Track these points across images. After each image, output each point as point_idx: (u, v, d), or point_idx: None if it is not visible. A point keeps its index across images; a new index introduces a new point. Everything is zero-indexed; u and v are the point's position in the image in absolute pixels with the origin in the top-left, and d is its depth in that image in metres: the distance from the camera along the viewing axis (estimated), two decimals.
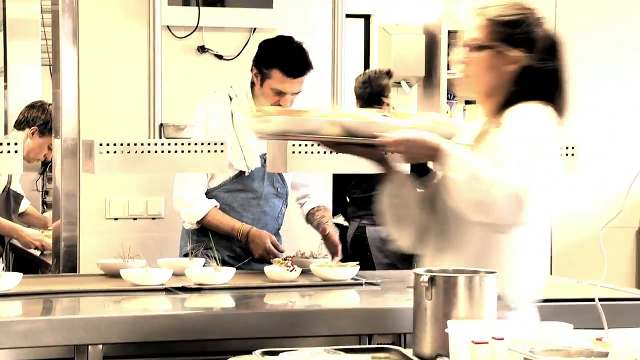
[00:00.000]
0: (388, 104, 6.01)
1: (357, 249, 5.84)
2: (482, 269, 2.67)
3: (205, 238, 4.39)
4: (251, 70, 4.43)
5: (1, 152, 2.59)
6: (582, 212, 5.27)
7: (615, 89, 5.34)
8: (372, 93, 6.02)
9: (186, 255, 4.12)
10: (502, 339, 2.33)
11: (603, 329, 2.37)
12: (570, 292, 3.78)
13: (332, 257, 4.32)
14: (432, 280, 2.60)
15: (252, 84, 4.44)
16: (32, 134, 5.49)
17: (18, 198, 5.66)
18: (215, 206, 4.41)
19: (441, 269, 2.67)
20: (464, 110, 8.43)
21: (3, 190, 5.54)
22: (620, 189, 5.13)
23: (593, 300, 2.41)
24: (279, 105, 4.21)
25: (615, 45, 5.33)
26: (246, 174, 4.41)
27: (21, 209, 5.74)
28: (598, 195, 5.26)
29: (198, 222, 4.43)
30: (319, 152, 3.31)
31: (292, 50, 4.35)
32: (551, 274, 5.21)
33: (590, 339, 2.39)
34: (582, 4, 5.27)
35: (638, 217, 5.42)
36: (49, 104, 5.46)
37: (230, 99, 4.44)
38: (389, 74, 6.15)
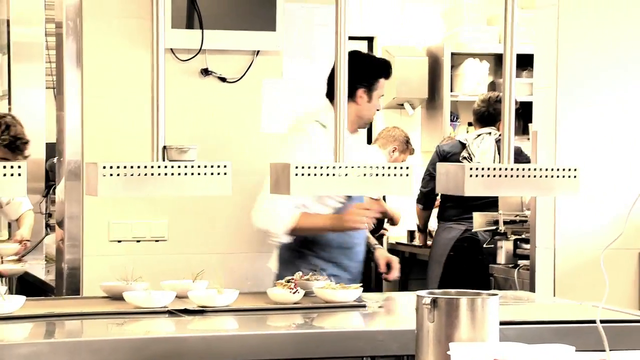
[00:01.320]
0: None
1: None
2: (485, 292, 2.68)
3: (302, 250, 4.61)
4: (356, 90, 4.59)
5: (5, 175, 2.61)
6: (584, 233, 5.27)
7: (618, 109, 5.35)
8: (489, 113, 6.70)
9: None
10: None
11: (605, 350, 2.37)
12: (572, 314, 3.78)
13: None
14: (434, 302, 2.61)
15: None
16: None
17: None
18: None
19: (443, 291, 2.68)
20: (467, 131, 8.46)
21: None
22: (623, 211, 5.14)
23: (595, 322, 2.41)
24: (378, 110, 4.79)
25: (618, 67, 5.34)
26: None
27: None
28: (600, 217, 5.26)
29: (291, 232, 4.54)
30: (322, 175, 3.32)
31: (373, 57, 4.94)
32: (554, 295, 5.21)
33: None
34: (585, 22, 5.29)
35: None
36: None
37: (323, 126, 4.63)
38: None
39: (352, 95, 4.58)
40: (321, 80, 4.74)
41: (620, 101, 5.36)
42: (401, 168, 2.95)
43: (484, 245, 6.34)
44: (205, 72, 5.02)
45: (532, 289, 5.42)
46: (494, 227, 6.34)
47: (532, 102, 5.58)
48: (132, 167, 2.76)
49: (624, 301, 5.27)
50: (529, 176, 2.93)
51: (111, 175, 2.75)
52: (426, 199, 7.01)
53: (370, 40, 8.72)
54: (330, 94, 4.69)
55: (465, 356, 2.43)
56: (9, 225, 5.90)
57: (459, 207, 6.62)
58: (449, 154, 6.70)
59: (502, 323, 2.76)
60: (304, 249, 4.59)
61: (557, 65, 5.30)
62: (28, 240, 5.47)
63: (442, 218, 6.86)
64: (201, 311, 3.71)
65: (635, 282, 5.45)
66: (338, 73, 2.95)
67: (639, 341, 2.54)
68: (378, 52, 8.62)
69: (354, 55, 4.51)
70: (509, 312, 3.74)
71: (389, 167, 2.94)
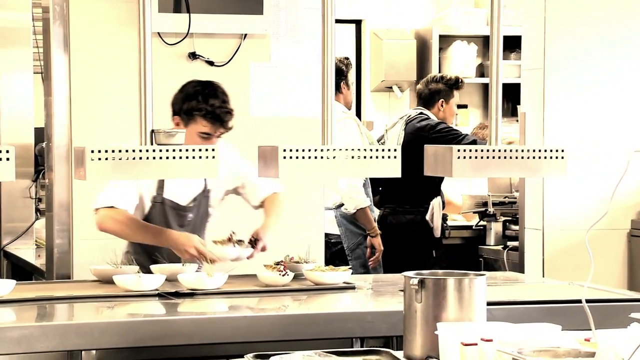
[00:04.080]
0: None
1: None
2: (472, 272, 2.70)
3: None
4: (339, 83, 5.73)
5: None
6: (573, 214, 5.30)
7: (606, 90, 5.37)
8: (424, 93, 6.46)
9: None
10: (491, 340, 2.36)
11: (591, 329, 2.40)
12: (561, 294, 3.81)
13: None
14: (421, 282, 2.63)
15: None
16: None
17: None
18: None
19: (431, 272, 2.70)
20: (456, 114, 8.46)
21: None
22: (611, 192, 5.16)
23: (581, 301, 2.43)
24: None
25: (605, 49, 5.36)
26: None
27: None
28: (589, 198, 5.29)
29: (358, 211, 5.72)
30: (310, 158, 3.33)
31: None
32: (543, 276, 5.24)
33: (578, 340, 2.42)
34: (572, 3, 5.30)
35: (629, 219, 5.45)
36: None
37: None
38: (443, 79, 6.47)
39: (337, 88, 5.90)
40: (308, 64, 4.75)
41: (608, 82, 5.38)
42: (389, 150, 2.96)
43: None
44: (193, 55, 5.02)
45: (521, 270, 5.45)
46: (483, 209, 6.36)
47: (520, 84, 5.61)
48: (120, 150, 2.77)
49: (613, 281, 5.30)
50: (517, 157, 2.94)
51: (99, 159, 2.76)
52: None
53: (358, 23, 8.71)
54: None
55: (452, 336, 2.46)
56: None
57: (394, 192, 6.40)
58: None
59: (490, 303, 2.78)
60: None
61: (544, 47, 5.32)
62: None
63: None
64: (191, 294, 3.72)
65: (624, 262, 5.48)
66: (325, 56, 2.96)
67: (625, 320, 2.57)
68: (366, 35, 8.61)
69: None
70: (497, 293, 3.76)
71: (377, 150, 2.96)
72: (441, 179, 6.21)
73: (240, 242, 4.11)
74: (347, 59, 6.30)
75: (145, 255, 4.20)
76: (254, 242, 4.16)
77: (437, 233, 6.14)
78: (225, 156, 4.13)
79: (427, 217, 6.13)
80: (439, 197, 6.19)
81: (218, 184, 4.35)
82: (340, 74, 6.00)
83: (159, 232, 4.09)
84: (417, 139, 5.91)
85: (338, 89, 6.01)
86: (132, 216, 4.13)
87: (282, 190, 4.43)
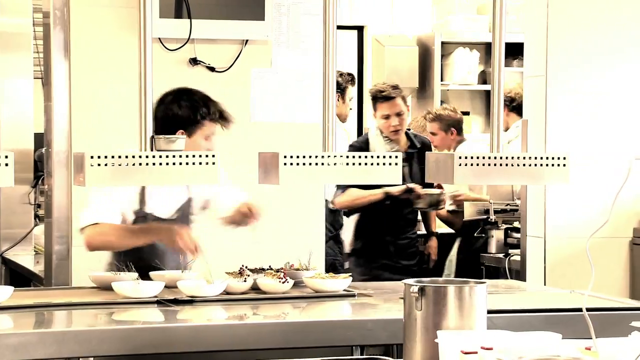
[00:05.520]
0: None
1: None
2: (472, 280, 2.70)
3: None
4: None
5: None
6: (575, 222, 5.30)
7: (608, 97, 5.38)
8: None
9: None
10: (491, 348, 2.36)
11: (592, 338, 2.40)
12: (562, 302, 3.80)
13: None
14: (421, 290, 2.63)
15: None
16: None
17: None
18: None
19: (431, 279, 2.70)
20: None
21: None
22: (610, 201, 5.16)
23: (582, 310, 2.43)
24: None
25: (608, 56, 5.36)
26: None
27: None
28: (591, 206, 5.29)
29: None
30: (310, 164, 3.34)
31: None
32: (545, 284, 5.24)
33: (579, 348, 2.42)
34: (575, 10, 5.30)
35: (631, 227, 5.45)
36: None
37: None
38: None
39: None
40: (310, 70, 4.75)
41: (611, 89, 5.38)
42: (389, 157, 2.97)
43: None
44: (194, 61, 5.03)
45: (523, 277, 5.45)
46: (484, 216, 6.36)
47: (523, 91, 5.61)
48: (119, 156, 2.77)
49: (615, 289, 5.30)
50: (518, 165, 2.95)
51: (99, 165, 2.76)
52: None
53: (360, 29, 8.73)
54: None
55: (452, 344, 2.45)
56: None
57: None
58: None
59: (491, 312, 2.78)
60: None
61: (547, 54, 5.32)
62: None
63: None
64: (190, 301, 3.72)
65: (626, 271, 5.48)
66: (326, 63, 2.97)
67: (626, 328, 2.57)
68: (368, 42, 8.63)
69: None
70: (498, 301, 3.76)
71: (377, 157, 2.96)
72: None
73: (256, 270, 4.06)
74: (350, 74, 6.82)
75: (144, 262, 4.19)
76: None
77: None
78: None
79: None
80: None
81: (201, 193, 4.33)
82: (337, 87, 6.25)
83: (147, 230, 4.10)
84: None
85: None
86: (116, 225, 4.12)
87: (252, 200, 4.34)
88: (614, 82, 5.38)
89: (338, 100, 6.68)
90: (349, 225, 6.43)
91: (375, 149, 6.12)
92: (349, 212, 6.41)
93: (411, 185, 6.11)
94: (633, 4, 5.37)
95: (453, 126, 6.90)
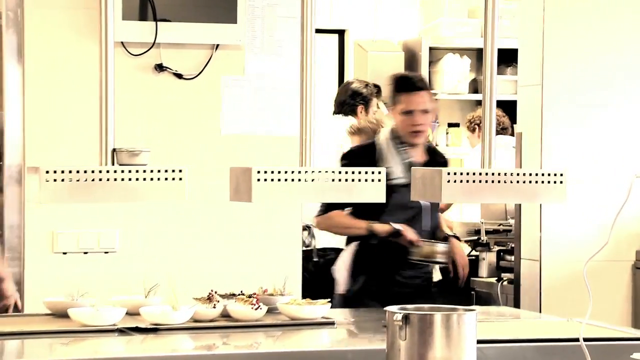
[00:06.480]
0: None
1: None
2: (461, 307, 2.71)
3: None
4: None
5: None
6: (573, 244, 5.32)
7: (608, 109, 5.41)
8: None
9: None
10: None
11: None
12: (558, 332, 3.81)
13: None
14: (406, 318, 2.63)
15: None
16: None
17: None
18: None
19: (416, 307, 2.70)
20: (447, 133, 8.51)
21: None
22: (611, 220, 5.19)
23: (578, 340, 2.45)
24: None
25: (609, 65, 5.39)
26: None
27: None
28: (589, 226, 5.31)
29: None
30: (286, 180, 3.34)
31: None
32: (540, 311, 5.25)
33: None
34: (572, 15, 5.34)
35: (634, 250, 5.47)
36: None
37: None
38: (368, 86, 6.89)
39: (353, 111, 6.84)
40: (286, 78, 4.75)
41: (611, 101, 5.42)
42: (373, 173, 2.98)
43: None
44: (160, 67, 5.03)
45: (516, 304, 5.46)
46: (475, 237, 6.38)
47: (517, 101, 5.64)
48: (78, 171, 2.78)
49: (617, 316, 5.32)
50: (512, 182, 2.96)
51: (55, 180, 2.76)
52: None
53: (341, 33, 8.75)
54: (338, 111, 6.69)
55: None
56: None
57: None
58: None
59: (481, 341, 2.79)
60: None
61: (542, 61, 5.35)
62: None
63: None
64: (154, 329, 3.71)
65: (628, 297, 5.51)
66: (304, 70, 2.98)
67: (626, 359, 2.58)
68: (350, 47, 8.65)
69: None
70: (489, 330, 3.77)
71: (360, 172, 2.97)
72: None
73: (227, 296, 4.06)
74: (376, 86, 7.00)
75: None
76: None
77: None
78: None
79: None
80: None
81: None
82: (357, 97, 6.71)
83: None
84: None
85: (353, 111, 6.88)
86: None
87: None
88: (616, 92, 5.41)
89: (361, 112, 6.81)
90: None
91: (384, 158, 5.33)
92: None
93: (397, 226, 5.22)
94: (635, 5, 5.42)
95: None
